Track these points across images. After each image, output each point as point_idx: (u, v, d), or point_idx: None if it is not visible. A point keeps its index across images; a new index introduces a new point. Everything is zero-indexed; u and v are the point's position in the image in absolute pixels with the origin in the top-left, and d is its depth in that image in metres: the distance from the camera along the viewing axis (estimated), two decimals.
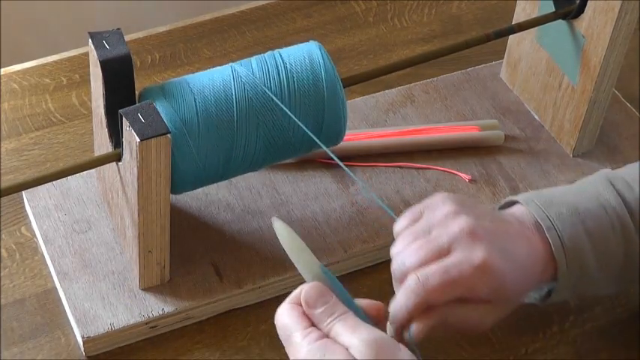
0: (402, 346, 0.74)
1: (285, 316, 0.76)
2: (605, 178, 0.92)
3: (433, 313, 0.83)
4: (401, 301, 0.83)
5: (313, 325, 0.75)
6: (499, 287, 0.84)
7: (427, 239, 0.85)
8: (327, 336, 0.74)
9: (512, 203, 0.92)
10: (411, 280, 0.82)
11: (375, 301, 0.79)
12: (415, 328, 0.82)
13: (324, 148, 0.90)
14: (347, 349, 0.73)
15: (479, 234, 0.84)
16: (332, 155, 0.87)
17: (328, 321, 0.74)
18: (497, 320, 0.87)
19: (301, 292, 0.76)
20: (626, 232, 0.89)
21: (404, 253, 0.85)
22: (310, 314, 0.76)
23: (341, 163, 0.86)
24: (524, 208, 0.89)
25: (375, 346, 0.72)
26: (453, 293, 0.83)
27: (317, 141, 0.92)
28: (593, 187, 0.92)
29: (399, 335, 0.83)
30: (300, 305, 0.76)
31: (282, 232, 0.79)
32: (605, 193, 0.91)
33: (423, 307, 0.82)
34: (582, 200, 0.90)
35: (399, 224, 0.88)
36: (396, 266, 0.85)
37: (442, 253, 0.84)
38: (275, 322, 0.77)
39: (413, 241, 0.85)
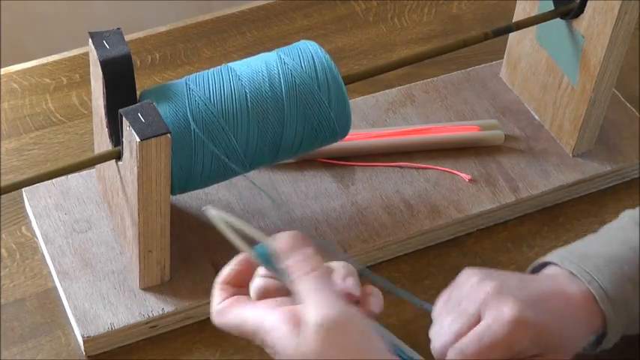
0: (355, 322, 0.71)
1: (245, 310, 0.73)
2: (632, 220, 0.93)
3: None
4: None
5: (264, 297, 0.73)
6: (538, 339, 0.84)
7: (457, 312, 0.86)
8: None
9: (543, 265, 0.92)
10: (450, 356, 0.84)
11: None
12: None
13: None
14: (299, 325, 0.70)
15: (504, 293, 0.85)
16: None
17: (297, 274, 0.72)
18: None
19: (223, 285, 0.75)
20: None
21: (439, 331, 0.86)
22: (285, 263, 0.72)
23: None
24: (557, 267, 0.90)
25: (324, 331, 0.69)
26: (494, 356, 0.83)
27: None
28: (621, 233, 0.93)
29: None
30: (235, 286, 0.75)
31: (219, 218, 0.75)
32: (634, 236, 0.91)
33: None
34: (614, 249, 0.91)
35: (435, 308, 0.89)
36: (434, 346, 0.86)
37: (473, 320, 0.85)
38: (222, 323, 0.75)
39: (445, 317, 0.86)
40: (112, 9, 1.91)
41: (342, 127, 0.97)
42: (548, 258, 0.92)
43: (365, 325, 0.72)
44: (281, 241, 0.73)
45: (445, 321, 0.86)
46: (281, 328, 0.70)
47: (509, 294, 0.85)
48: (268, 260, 0.74)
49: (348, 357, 0.69)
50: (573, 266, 0.89)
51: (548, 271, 0.91)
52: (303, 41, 0.97)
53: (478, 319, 0.85)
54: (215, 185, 1.04)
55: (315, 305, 0.70)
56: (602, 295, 0.88)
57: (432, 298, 1.00)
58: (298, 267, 0.72)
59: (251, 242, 0.74)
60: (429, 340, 0.88)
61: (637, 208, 0.95)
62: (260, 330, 0.72)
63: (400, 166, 1.09)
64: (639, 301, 0.89)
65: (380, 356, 0.71)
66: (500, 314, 0.84)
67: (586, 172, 1.10)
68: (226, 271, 0.76)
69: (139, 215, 0.91)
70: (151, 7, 1.93)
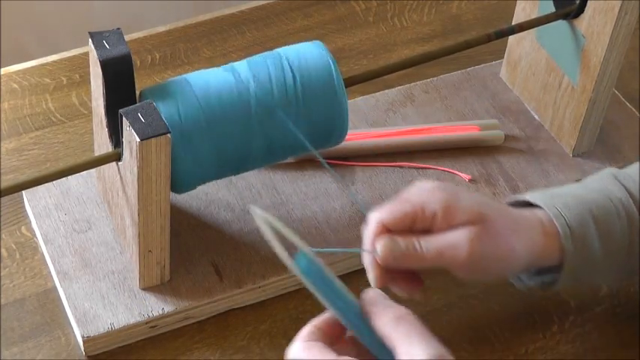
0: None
1: (304, 355, 0.74)
2: (610, 174, 0.94)
3: (398, 237, 0.83)
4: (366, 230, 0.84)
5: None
6: (452, 204, 0.84)
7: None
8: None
9: (515, 203, 0.92)
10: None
11: None
12: (379, 244, 0.83)
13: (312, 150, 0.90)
14: None
15: (441, 184, 0.86)
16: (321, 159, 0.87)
17: (384, 324, 0.74)
18: (475, 254, 0.84)
19: (313, 327, 0.76)
20: (631, 220, 0.90)
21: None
22: (371, 317, 0.75)
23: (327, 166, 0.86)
24: (530, 203, 0.90)
25: None
26: (407, 210, 0.83)
27: (308, 144, 0.91)
28: (597, 183, 0.93)
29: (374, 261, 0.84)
30: (316, 341, 0.75)
31: (262, 220, 0.74)
32: (610, 185, 0.92)
33: (382, 231, 0.83)
34: (588, 192, 0.91)
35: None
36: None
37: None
38: None
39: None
40: (112, 9, 1.91)
41: (339, 132, 0.97)
42: (521, 195, 0.91)
43: None
44: (365, 298, 0.75)
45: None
46: None
47: (445, 184, 0.86)
48: (309, 271, 0.74)
49: None
50: (541, 200, 0.89)
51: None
52: (315, 41, 0.97)
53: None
54: (215, 185, 1.04)
55: (420, 344, 0.72)
56: (565, 230, 0.87)
57: (431, 299, 1.01)
58: (386, 313, 0.74)
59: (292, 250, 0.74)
60: None
61: (617, 169, 0.95)
62: None
63: (400, 166, 1.09)
64: (599, 248, 0.89)
65: None
66: (424, 184, 0.85)
67: (586, 172, 1.10)
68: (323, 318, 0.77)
69: (138, 215, 0.91)
70: (151, 7, 1.93)
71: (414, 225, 0.84)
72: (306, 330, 0.76)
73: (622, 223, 0.90)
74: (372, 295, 0.76)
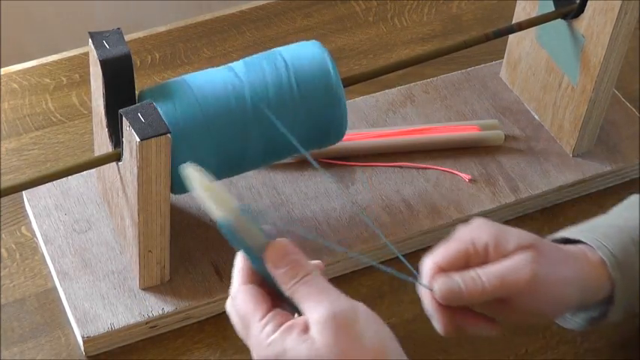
0: (361, 313, 0.72)
1: (241, 303, 0.74)
2: (638, 201, 0.94)
3: (454, 274, 0.82)
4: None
5: (269, 308, 0.73)
6: (501, 233, 0.84)
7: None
8: (290, 301, 0.73)
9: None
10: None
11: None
12: (437, 284, 0.81)
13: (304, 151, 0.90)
14: (307, 330, 0.71)
15: (486, 220, 0.86)
16: None
17: (291, 284, 0.73)
18: (537, 277, 0.83)
19: (243, 267, 0.74)
20: None
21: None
22: (274, 275, 0.73)
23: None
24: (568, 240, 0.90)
25: (333, 324, 0.70)
26: (458, 248, 0.83)
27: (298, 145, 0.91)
28: (629, 211, 0.92)
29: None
30: (252, 284, 0.74)
31: (194, 175, 0.74)
32: None
33: (437, 272, 0.82)
34: (624, 221, 0.91)
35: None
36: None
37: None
38: (229, 313, 0.75)
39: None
40: (112, 9, 1.91)
41: (338, 130, 0.97)
42: (558, 234, 0.91)
43: (372, 314, 0.72)
44: (267, 256, 0.74)
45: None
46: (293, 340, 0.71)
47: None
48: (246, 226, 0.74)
49: (363, 344, 0.70)
50: (581, 235, 0.88)
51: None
52: (313, 41, 0.97)
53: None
54: None
55: (315, 306, 0.71)
56: (612, 261, 0.86)
57: None
58: (287, 278, 0.73)
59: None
60: (429, 340, 0.87)
61: None
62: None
63: (400, 166, 1.09)
64: None
65: (393, 344, 0.72)
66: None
67: (586, 172, 1.11)
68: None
69: (138, 215, 0.91)
70: (151, 7, 1.93)
71: (469, 262, 0.83)
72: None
73: None
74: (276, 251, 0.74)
